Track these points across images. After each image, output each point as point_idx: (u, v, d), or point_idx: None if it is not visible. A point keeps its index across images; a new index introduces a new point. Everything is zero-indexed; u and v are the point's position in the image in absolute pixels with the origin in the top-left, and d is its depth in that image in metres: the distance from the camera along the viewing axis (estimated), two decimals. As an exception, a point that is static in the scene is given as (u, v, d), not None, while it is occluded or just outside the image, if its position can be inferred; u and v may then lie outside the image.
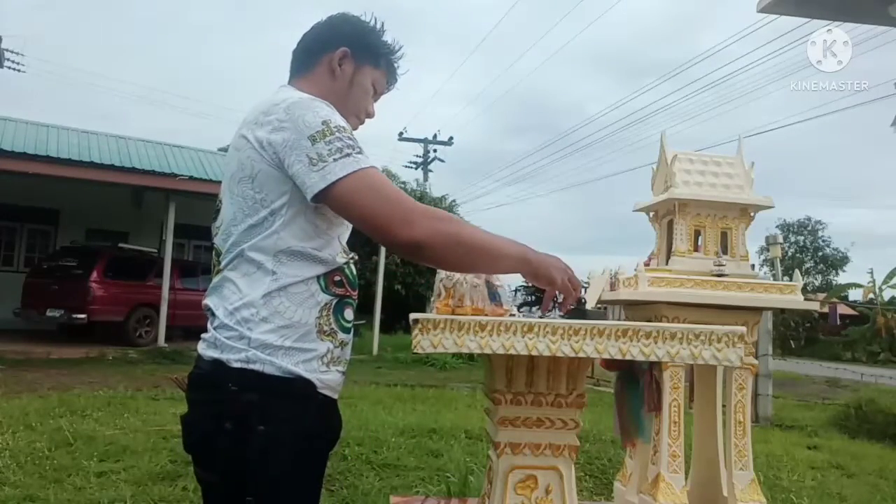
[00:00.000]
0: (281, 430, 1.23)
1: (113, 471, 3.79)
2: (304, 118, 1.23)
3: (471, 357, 10.92)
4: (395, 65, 1.52)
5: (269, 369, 1.23)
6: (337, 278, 1.34)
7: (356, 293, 1.41)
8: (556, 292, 1.47)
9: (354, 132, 1.39)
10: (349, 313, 1.37)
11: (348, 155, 1.21)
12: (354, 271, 1.41)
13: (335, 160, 1.20)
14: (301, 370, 1.26)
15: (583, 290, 1.65)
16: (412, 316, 1.58)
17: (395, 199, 1.22)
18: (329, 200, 1.22)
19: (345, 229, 1.37)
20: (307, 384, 1.27)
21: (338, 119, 1.26)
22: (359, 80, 1.46)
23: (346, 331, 1.37)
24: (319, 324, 1.30)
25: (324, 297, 1.31)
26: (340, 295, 1.35)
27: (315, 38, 1.46)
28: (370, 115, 1.52)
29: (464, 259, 1.30)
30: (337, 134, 1.22)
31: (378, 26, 1.48)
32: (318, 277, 1.30)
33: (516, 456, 1.94)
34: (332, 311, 1.33)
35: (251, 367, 1.23)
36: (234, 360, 1.24)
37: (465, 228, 1.29)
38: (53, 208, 14.01)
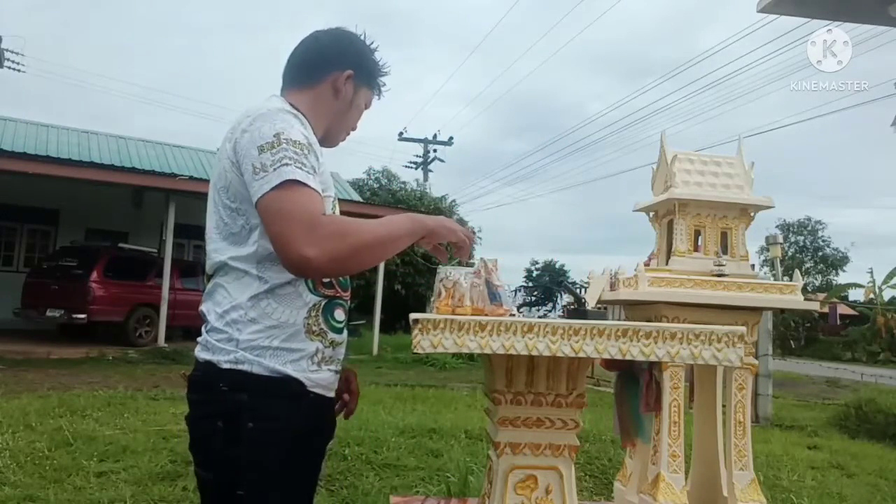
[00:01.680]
0: (271, 428, 1.25)
1: (113, 471, 3.79)
2: (260, 129, 1.24)
3: (471, 357, 10.91)
4: (383, 85, 1.57)
5: (257, 369, 1.26)
6: (325, 279, 1.35)
7: (348, 294, 1.42)
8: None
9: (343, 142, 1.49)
10: (340, 314, 1.38)
11: (286, 165, 1.20)
12: None
13: (274, 169, 1.20)
14: (289, 370, 1.28)
15: (582, 290, 1.65)
16: (412, 316, 1.59)
17: (304, 224, 1.18)
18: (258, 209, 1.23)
19: None
20: (296, 383, 1.29)
21: (294, 133, 1.25)
22: (357, 102, 1.51)
23: (338, 331, 1.37)
24: (308, 324, 1.31)
25: (312, 298, 1.33)
26: (330, 296, 1.36)
27: (320, 53, 1.47)
28: (355, 129, 1.58)
29: (365, 262, 1.29)
30: (284, 146, 1.22)
31: (374, 46, 1.52)
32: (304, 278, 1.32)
33: (516, 456, 1.94)
34: (320, 311, 1.34)
35: (240, 367, 1.26)
36: (223, 361, 1.27)
37: (354, 238, 1.24)
38: (53, 208, 14.01)
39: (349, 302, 1.44)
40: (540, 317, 1.87)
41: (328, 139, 1.50)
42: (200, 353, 1.33)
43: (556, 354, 1.63)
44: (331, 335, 1.35)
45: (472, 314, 1.67)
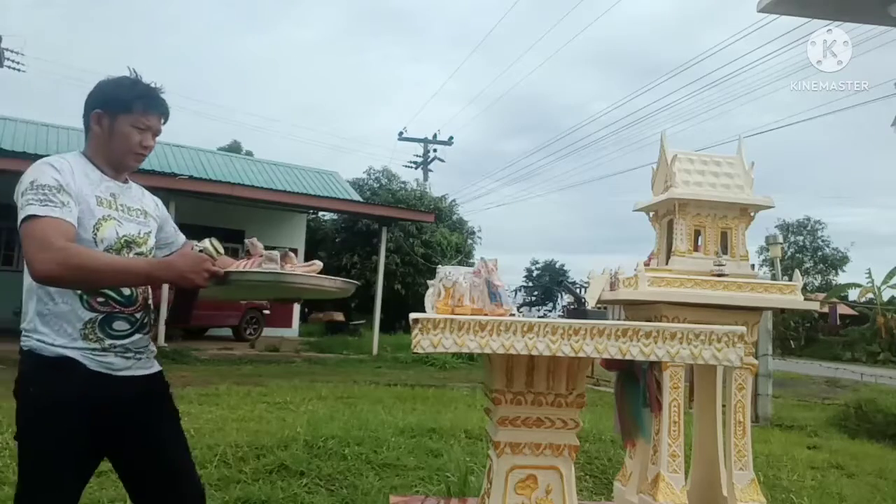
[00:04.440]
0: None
1: (113, 470, 3.79)
2: (23, 179, 1.68)
3: (471, 357, 10.89)
4: (153, 100, 1.83)
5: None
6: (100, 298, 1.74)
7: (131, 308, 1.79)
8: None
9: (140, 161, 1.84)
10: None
11: (31, 204, 1.62)
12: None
13: (21, 208, 1.63)
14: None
15: (582, 290, 1.66)
16: (412, 316, 1.59)
17: (37, 244, 1.58)
18: None
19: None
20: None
21: (44, 179, 1.66)
22: (117, 130, 1.79)
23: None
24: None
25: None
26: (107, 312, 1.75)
27: (83, 109, 1.84)
28: (146, 147, 1.85)
29: (91, 281, 1.66)
30: (33, 190, 1.64)
31: (131, 77, 1.83)
32: None
33: (516, 455, 1.94)
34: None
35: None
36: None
37: (84, 260, 1.61)
38: (53, 208, 13.99)
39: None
40: (540, 317, 1.87)
41: (118, 165, 1.85)
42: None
43: (556, 354, 1.63)
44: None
45: (472, 314, 1.67)
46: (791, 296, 3.07)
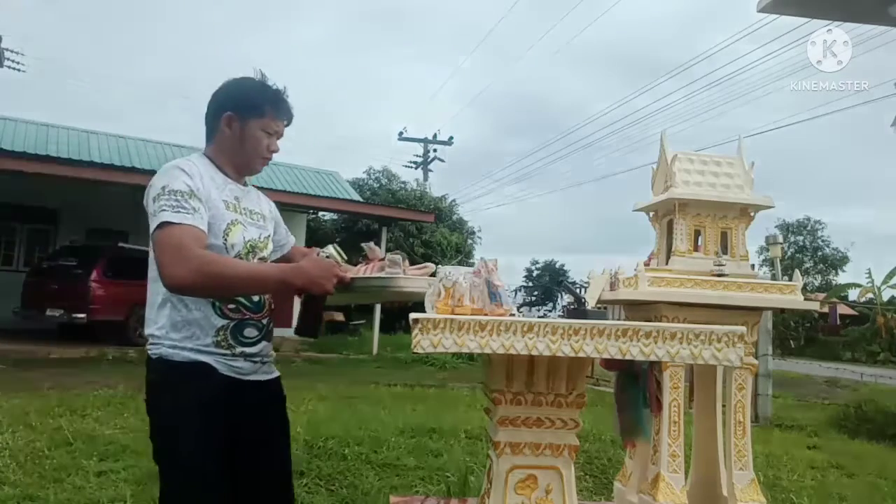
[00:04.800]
0: None
1: (113, 470, 3.79)
2: (153, 183, 1.65)
3: (471, 357, 10.89)
4: (282, 105, 1.80)
5: None
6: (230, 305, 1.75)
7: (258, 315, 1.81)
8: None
9: (265, 166, 1.83)
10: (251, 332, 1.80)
11: (165, 211, 1.57)
12: None
13: (153, 214, 1.59)
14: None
15: (582, 290, 1.66)
16: (412, 316, 1.59)
17: (172, 252, 1.53)
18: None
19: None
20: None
21: (176, 185, 1.61)
22: (249, 134, 1.77)
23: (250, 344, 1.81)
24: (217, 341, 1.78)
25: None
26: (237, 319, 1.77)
27: (208, 109, 1.82)
28: (274, 151, 1.83)
29: (227, 289, 1.65)
30: (166, 196, 1.59)
31: (258, 79, 1.79)
32: None
33: (516, 455, 1.94)
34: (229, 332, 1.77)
35: None
36: None
37: (220, 268, 1.58)
38: (53, 208, 13.99)
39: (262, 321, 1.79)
40: (540, 317, 1.87)
41: (243, 169, 1.83)
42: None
43: (556, 354, 1.63)
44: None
45: (472, 314, 1.67)
46: (791, 296, 3.07)
